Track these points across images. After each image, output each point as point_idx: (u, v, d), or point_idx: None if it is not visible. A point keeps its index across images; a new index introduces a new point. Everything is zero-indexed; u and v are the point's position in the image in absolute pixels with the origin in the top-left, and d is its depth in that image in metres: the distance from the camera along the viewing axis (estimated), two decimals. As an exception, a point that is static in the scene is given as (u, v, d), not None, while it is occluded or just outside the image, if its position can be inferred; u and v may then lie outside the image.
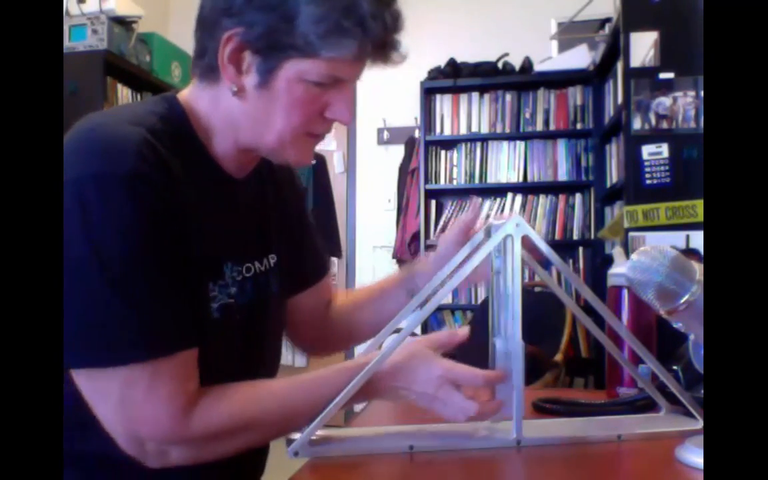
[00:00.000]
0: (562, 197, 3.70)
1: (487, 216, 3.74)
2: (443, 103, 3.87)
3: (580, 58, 3.59)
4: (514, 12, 3.96)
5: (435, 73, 3.83)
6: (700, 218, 2.42)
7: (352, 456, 0.82)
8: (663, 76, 2.53)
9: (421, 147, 3.81)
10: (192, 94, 0.88)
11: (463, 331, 0.92)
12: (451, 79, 3.78)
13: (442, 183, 3.85)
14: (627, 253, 1.38)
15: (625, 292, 1.10)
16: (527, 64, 3.73)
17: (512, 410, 0.84)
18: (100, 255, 0.73)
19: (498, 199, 3.79)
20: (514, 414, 0.84)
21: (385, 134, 4.22)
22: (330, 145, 4.30)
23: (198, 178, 0.84)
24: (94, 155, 0.75)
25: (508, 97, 3.77)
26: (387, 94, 4.14)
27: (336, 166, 4.32)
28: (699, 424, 0.88)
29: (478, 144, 3.82)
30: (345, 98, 0.84)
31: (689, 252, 1.52)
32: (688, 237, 2.44)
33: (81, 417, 0.78)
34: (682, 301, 0.75)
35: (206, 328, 0.83)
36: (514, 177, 3.76)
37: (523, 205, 3.74)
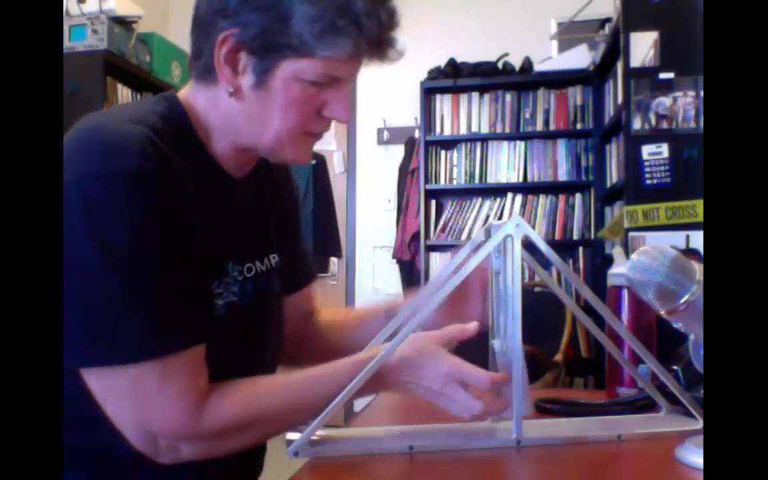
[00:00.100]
0: (562, 197, 3.70)
1: (487, 217, 3.76)
2: (443, 103, 3.87)
3: (580, 58, 3.59)
4: (514, 12, 3.96)
5: (435, 73, 3.83)
6: (700, 218, 2.42)
7: (352, 456, 0.82)
8: (663, 76, 2.53)
9: (421, 147, 3.81)
10: (191, 94, 0.89)
11: (472, 325, 0.92)
12: (451, 79, 3.78)
13: (442, 183, 3.85)
14: (627, 253, 1.38)
15: (625, 292, 1.10)
16: (527, 64, 3.73)
17: (514, 410, 0.84)
18: (108, 254, 0.73)
19: (498, 199, 3.79)
20: (514, 414, 0.84)
21: (385, 134, 4.22)
22: (330, 145, 4.30)
23: (199, 177, 0.84)
24: (97, 154, 0.75)
25: (508, 97, 3.77)
26: (387, 94, 4.14)
27: (336, 166, 4.32)
28: (699, 424, 0.88)
29: (478, 144, 3.82)
30: (342, 97, 0.85)
31: (689, 252, 1.52)
32: (688, 237, 2.44)
33: (82, 415, 0.78)
34: (682, 301, 0.75)
35: (211, 325, 0.83)
36: (514, 177, 3.76)
37: (523, 205, 3.73)
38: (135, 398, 0.75)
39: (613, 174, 3.24)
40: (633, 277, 0.77)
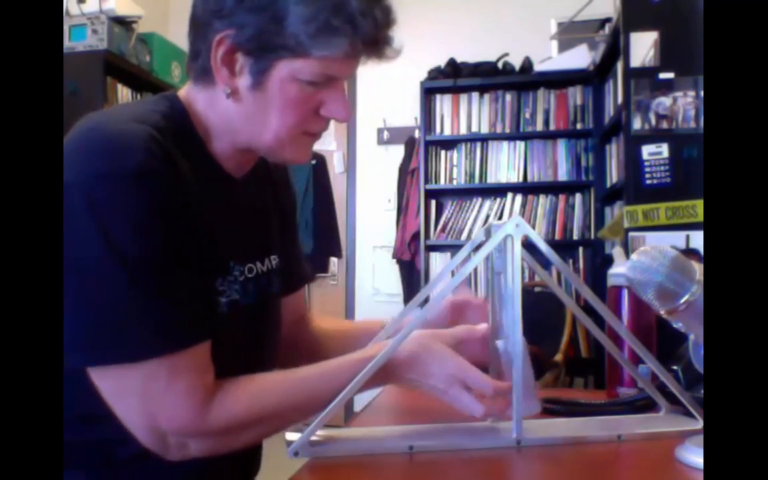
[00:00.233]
0: (562, 197, 3.70)
1: (487, 217, 3.76)
2: (443, 103, 3.87)
3: (580, 58, 3.59)
4: (514, 12, 3.97)
5: (435, 73, 3.83)
6: (700, 218, 2.42)
7: (352, 456, 0.82)
8: (663, 76, 2.53)
9: (421, 147, 3.81)
10: (190, 94, 0.89)
11: (482, 327, 0.92)
12: (451, 79, 3.78)
13: (442, 183, 3.85)
14: (627, 253, 1.38)
15: (625, 292, 1.10)
16: (527, 64, 3.73)
17: (514, 410, 0.84)
18: (115, 253, 0.73)
19: (498, 199, 3.79)
20: (514, 414, 0.84)
21: (385, 134, 4.22)
22: (330, 145, 4.30)
23: (201, 176, 0.84)
24: (100, 154, 0.75)
25: (508, 97, 3.77)
26: (387, 94, 4.14)
27: (336, 166, 4.32)
28: (699, 424, 0.88)
29: (478, 144, 3.82)
30: (339, 96, 0.85)
31: (689, 252, 1.52)
32: (688, 237, 2.44)
33: (83, 414, 0.78)
34: (682, 301, 0.75)
35: (214, 323, 0.83)
36: (514, 177, 3.76)
37: (523, 205, 3.74)
38: (143, 396, 0.75)
39: (613, 174, 3.24)
40: (633, 277, 0.77)
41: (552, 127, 3.72)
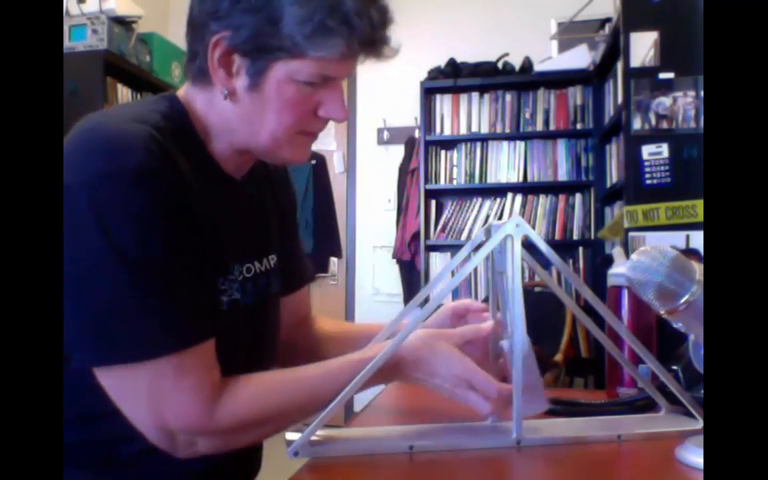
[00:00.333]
0: (562, 197, 3.70)
1: (487, 217, 3.76)
2: (443, 103, 3.87)
3: (580, 58, 3.59)
4: (514, 12, 3.96)
5: (435, 73, 3.83)
6: (700, 218, 2.42)
7: (352, 456, 0.82)
8: (663, 76, 2.53)
9: (421, 147, 3.81)
10: (189, 94, 0.89)
11: (487, 324, 0.92)
12: (451, 79, 3.78)
13: (442, 183, 3.85)
14: (627, 253, 1.38)
15: (625, 292, 1.10)
16: (527, 64, 3.73)
17: (514, 410, 0.84)
18: (119, 253, 0.73)
19: (498, 199, 3.79)
20: (514, 414, 0.84)
21: (385, 134, 4.22)
22: (330, 145, 4.30)
23: (200, 176, 0.84)
24: (101, 153, 0.75)
25: (508, 97, 3.77)
26: (387, 94, 4.14)
27: (336, 166, 4.32)
28: (699, 424, 0.88)
29: (478, 144, 3.82)
30: (337, 96, 0.85)
31: (689, 252, 1.52)
32: (688, 237, 2.44)
33: (84, 413, 0.78)
34: (682, 301, 0.75)
35: (217, 321, 0.83)
36: (514, 177, 3.76)
37: (523, 205, 3.73)
38: (151, 395, 0.75)
39: (613, 174, 3.24)
40: (633, 277, 0.77)
41: (552, 127, 3.72)
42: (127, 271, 0.73)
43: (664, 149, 2.51)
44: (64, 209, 0.71)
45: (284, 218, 1.06)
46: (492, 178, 3.79)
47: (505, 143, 3.78)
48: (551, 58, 3.73)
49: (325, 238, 3.98)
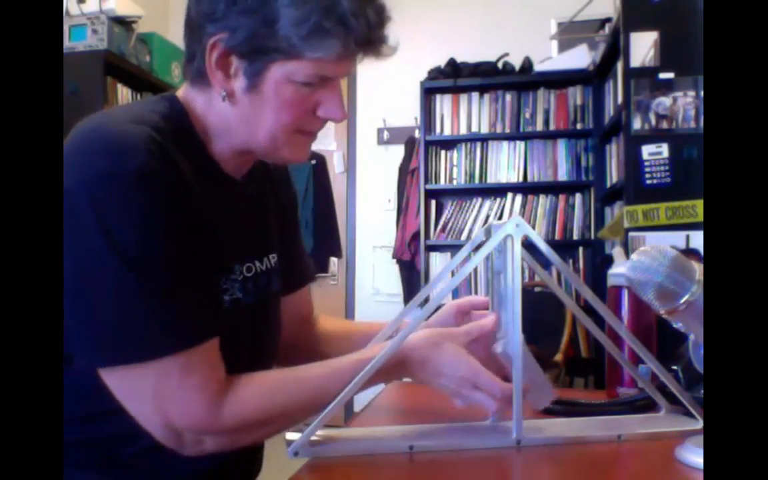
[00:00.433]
0: (562, 197, 3.70)
1: (487, 217, 3.76)
2: (443, 103, 3.87)
3: (580, 58, 3.59)
4: (514, 12, 3.97)
5: (435, 73, 3.83)
6: (700, 218, 2.42)
7: (352, 456, 0.82)
8: (663, 76, 2.53)
9: (421, 147, 3.81)
10: (188, 95, 0.89)
11: (489, 319, 0.92)
12: (451, 79, 3.78)
13: (442, 183, 3.85)
14: (627, 253, 1.38)
15: (625, 292, 1.10)
16: (527, 64, 3.73)
17: (514, 410, 0.84)
18: (121, 254, 0.73)
19: (498, 199, 3.79)
20: (514, 414, 0.84)
21: (385, 134, 4.22)
22: (330, 145, 4.30)
23: (200, 177, 0.84)
24: (101, 154, 0.75)
25: (508, 97, 3.77)
26: (387, 94, 4.14)
27: (336, 166, 4.32)
28: (699, 424, 0.88)
29: (478, 144, 3.82)
30: (335, 96, 0.85)
31: (689, 252, 1.52)
32: (688, 237, 2.44)
33: (84, 413, 0.78)
34: (682, 301, 0.75)
35: (219, 320, 0.83)
36: (514, 177, 3.76)
37: (523, 205, 3.73)
38: (156, 394, 0.75)
39: (613, 174, 3.24)
40: (633, 277, 0.77)
41: (552, 127, 3.72)
42: (129, 271, 0.73)
43: (664, 149, 2.51)
44: (65, 210, 0.71)
45: (285, 217, 1.06)
46: (492, 178, 3.79)
47: (505, 143, 3.78)
48: (551, 58, 3.73)
49: (325, 238, 3.98)
